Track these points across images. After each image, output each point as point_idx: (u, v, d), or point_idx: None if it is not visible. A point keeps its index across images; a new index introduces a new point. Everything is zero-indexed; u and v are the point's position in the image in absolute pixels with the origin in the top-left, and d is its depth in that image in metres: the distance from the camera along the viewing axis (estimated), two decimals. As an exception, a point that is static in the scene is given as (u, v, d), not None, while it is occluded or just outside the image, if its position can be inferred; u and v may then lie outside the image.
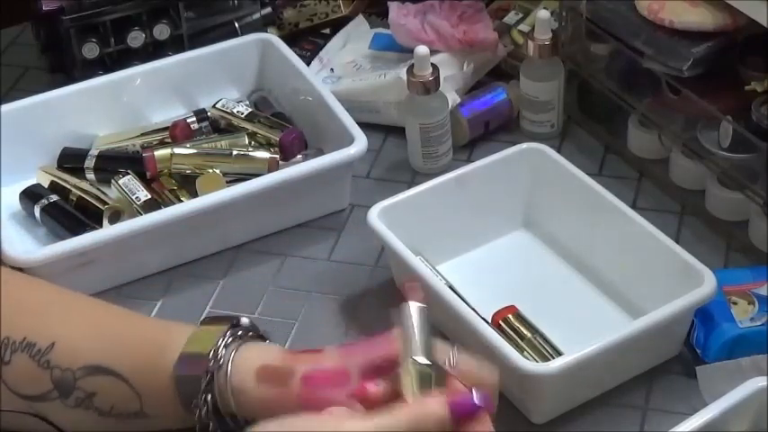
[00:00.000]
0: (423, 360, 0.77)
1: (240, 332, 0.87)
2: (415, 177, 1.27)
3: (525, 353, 1.00)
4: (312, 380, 0.82)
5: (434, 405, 0.76)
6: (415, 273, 1.03)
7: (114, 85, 1.30)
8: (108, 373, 0.86)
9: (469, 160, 1.28)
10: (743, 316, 1.02)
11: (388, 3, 1.38)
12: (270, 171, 1.20)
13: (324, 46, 1.44)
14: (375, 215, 1.08)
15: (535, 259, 1.16)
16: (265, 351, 0.86)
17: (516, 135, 1.31)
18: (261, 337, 0.89)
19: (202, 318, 0.92)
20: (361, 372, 0.81)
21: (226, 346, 0.84)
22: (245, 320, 0.89)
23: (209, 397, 0.83)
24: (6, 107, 1.24)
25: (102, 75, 1.33)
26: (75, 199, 1.21)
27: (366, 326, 1.09)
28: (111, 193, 1.22)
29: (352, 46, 1.43)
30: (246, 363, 0.84)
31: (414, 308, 0.79)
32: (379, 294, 1.13)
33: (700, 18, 1.15)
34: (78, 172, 1.24)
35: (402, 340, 0.78)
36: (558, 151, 1.18)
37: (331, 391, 0.80)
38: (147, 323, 0.94)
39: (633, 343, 0.97)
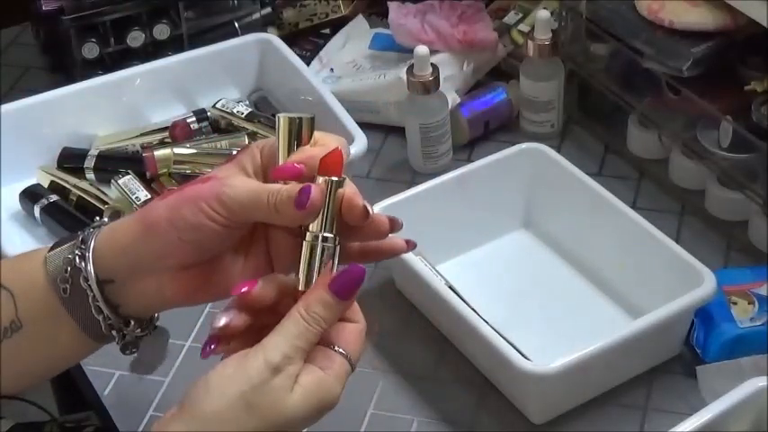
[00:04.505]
0: (327, 234, 0.74)
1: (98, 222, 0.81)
2: (415, 177, 1.27)
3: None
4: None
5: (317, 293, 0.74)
6: (415, 273, 1.03)
7: (114, 85, 1.30)
8: None
9: (469, 160, 1.28)
10: (743, 316, 1.02)
11: (388, 3, 1.38)
12: (270, 171, 1.20)
13: (324, 46, 1.44)
14: (375, 215, 1.08)
15: (535, 259, 1.16)
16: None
17: (516, 135, 1.31)
18: None
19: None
20: None
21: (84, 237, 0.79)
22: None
23: (82, 262, 0.77)
24: (6, 107, 1.24)
25: (102, 75, 1.33)
26: (75, 199, 1.21)
27: (366, 326, 1.09)
28: (111, 193, 1.22)
29: (352, 46, 1.43)
30: (106, 234, 0.79)
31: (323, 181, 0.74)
32: (378, 295, 1.13)
33: (700, 18, 1.15)
34: (78, 172, 1.24)
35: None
36: (558, 151, 1.18)
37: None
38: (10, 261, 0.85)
39: (633, 343, 0.97)
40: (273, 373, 0.70)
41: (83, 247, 0.78)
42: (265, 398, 0.70)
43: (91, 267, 0.77)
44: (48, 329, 0.80)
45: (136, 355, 0.84)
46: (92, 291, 0.78)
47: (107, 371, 1.06)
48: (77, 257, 0.78)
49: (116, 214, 1.18)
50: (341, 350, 0.75)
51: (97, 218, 0.80)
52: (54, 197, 1.20)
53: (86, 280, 0.77)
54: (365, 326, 0.78)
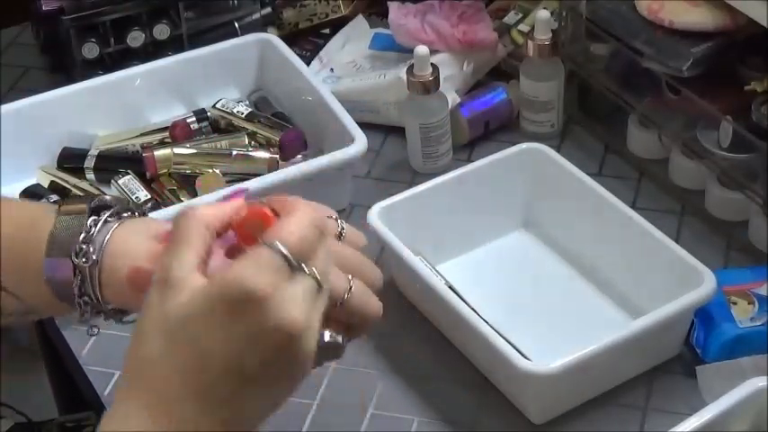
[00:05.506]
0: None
1: (105, 216, 0.79)
2: (415, 177, 1.27)
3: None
4: None
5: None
6: (415, 273, 1.04)
7: (114, 85, 1.30)
8: None
9: (469, 160, 1.28)
10: (743, 316, 1.02)
11: (388, 3, 1.38)
12: (270, 171, 1.20)
13: (324, 46, 1.44)
14: (375, 215, 1.08)
15: (535, 259, 1.16)
16: (136, 244, 0.78)
17: (516, 135, 1.31)
18: (130, 213, 0.82)
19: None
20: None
21: (89, 242, 0.77)
22: (107, 198, 0.81)
23: (89, 295, 0.78)
24: (6, 107, 1.24)
25: (102, 75, 1.33)
26: (75, 199, 1.21)
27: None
28: (111, 193, 1.22)
29: (352, 46, 1.43)
30: (117, 264, 0.77)
31: None
32: (378, 294, 1.13)
33: (700, 18, 1.15)
34: (78, 172, 1.24)
35: None
36: (558, 151, 1.18)
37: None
38: (14, 220, 0.82)
39: (633, 343, 0.97)
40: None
41: (91, 301, 0.78)
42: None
43: (105, 306, 0.79)
44: (60, 309, 0.82)
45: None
46: (107, 316, 0.80)
47: (107, 371, 1.06)
48: (90, 307, 0.79)
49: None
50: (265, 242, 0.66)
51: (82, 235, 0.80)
52: (54, 197, 1.20)
53: (105, 314, 0.80)
54: (304, 213, 0.69)
